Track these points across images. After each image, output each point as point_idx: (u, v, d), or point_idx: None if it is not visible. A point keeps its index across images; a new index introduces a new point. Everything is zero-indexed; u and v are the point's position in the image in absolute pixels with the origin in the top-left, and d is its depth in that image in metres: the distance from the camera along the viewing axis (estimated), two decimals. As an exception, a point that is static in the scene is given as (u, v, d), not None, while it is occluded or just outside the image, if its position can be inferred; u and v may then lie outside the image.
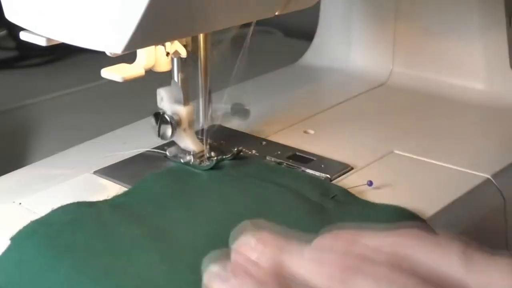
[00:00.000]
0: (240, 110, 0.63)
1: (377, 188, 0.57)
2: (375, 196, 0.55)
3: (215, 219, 0.52)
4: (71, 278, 0.47)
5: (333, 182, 0.58)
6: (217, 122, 0.67)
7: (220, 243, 0.48)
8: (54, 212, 0.53)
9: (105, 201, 0.55)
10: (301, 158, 0.61)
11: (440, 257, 0.35)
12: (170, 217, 0.53)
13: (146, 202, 0.54)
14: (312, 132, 0.68)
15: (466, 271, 0.34)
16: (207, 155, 0.60)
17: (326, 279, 0.35)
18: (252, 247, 0.37)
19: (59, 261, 0.48)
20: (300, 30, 1.00)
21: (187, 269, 0.46)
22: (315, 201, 0.54)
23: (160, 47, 0.56)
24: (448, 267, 0.34)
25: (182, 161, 0.59)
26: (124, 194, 0.56)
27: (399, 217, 0.52)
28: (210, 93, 0.59)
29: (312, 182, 0.57)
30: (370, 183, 0.57)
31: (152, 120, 0.60)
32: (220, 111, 0.69)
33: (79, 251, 0.49)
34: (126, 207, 0.54)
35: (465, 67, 0.77)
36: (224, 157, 0.59)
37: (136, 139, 0.65)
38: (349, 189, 0.56)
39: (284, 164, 0.60)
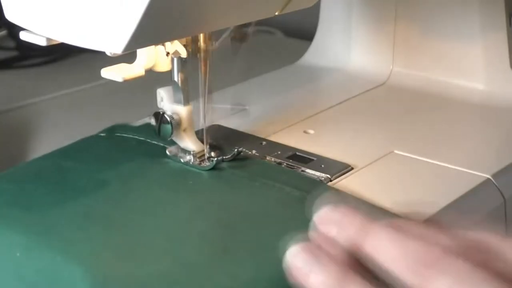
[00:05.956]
0: (239, 111, 0.63)
1: (377, 188, 0.57)
2: (375, 196, 0.55)
3: (207, 218, 0.53)
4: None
5: (333, 181, 0.58)
6: (217, 122, 0.67)
7: (208, 239, 0.48)
8: None
9: None
10: (301, 158, 0.61)
11: None
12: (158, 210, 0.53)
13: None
14: (312, 132, 0.68)
15: None
16: (207, 155, 0.60)
17: (405, 268, 0.34)
18: (332, 220, 0.38)
19: None
20: (300, 30, 1.01)
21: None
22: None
23: (160, 47, 0.56)
24: None
25: (182, 161, 0.60)
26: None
27: None
28: (210, 93, 0.59)
29: (311, 183, 0.57)
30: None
31: (152, 120, 0.60)
32: (220, 111, 0.70)
33: None
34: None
35: (465, 67, 0.77)
36: (224, 157, 0.59)
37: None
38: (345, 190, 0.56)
39: (284, 164, 0.60)
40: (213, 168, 0.59)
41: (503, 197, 0.59)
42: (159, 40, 0.53)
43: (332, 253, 0.37)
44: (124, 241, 0.49)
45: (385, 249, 0.35)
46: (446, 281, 0.33)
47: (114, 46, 0.47)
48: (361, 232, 0.37)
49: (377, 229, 0.36)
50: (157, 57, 0.57)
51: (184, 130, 0.60)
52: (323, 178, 0.58)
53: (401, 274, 0.35)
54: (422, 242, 0.35)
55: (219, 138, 0.63)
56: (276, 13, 0.56)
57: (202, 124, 0.60)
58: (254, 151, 0.62)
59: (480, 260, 0.34)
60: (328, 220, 0.38)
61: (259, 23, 0.57)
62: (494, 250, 0.35)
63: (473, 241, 0.36)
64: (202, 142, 0.60)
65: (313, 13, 0.83)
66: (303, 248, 0.37)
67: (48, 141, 0.75)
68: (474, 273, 0.33)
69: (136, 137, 0.63)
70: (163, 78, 0.59)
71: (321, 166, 0.60)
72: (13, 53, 1.00)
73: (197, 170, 0.59)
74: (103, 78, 0.54)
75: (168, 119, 0.59)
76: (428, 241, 0.35)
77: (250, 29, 0.58)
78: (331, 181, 0.58)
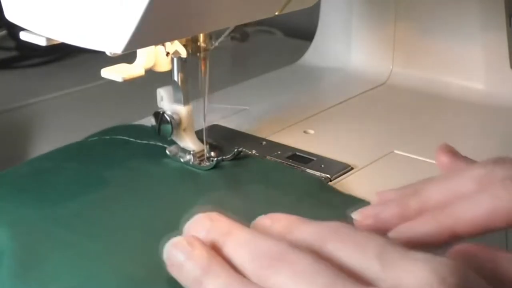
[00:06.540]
0: (239, 111, 0.63)
1: (377, 188, 0.57)
2: (375, 196, 0.55)
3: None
4: None
5: (333, 181, 0.58)
6: (217, 122, 0.67)
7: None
8: None
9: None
10: (301, 158, 0.62)
11: (358, 258, 0.37)
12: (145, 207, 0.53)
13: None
14: (312, 132, 0.68)
15: (382, 271, 0.36)
16: (207, 155, 0.60)
17: (252, 265, 0.38)
18: (201, 223, 0.41)
19: None
20: (300, 30, 1.00)
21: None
22: (312, 203, 0.54)
23: (160, 47, 0.56)
24: (366, 270, 0.37)
25: (182, 160, 0.60)
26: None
27: None
28: (210, 93, 0.59)
29: (311, 183, 0.57)
30: None
31: (152, 119, 0.60)
32: (220, 111, 0.70)
33: None
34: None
35: (465, 67, 0.77)
36: (224, 157, 0.59)
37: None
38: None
39: (284, 164, 0.60)
40: (213, 168, 0.59)
41: (503, 197, 0.59)
42: (159, 40, 0.53)
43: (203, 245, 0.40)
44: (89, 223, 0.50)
45: (238, 252, 0.39)
46: (287, 273, 0.37)
47: (114, 46, 0.47)
48: (223, 237, 0.40)
49: (235, 233, 0.40)
50: (157, 57, 0.57)
51: (184, 130, 0.60)
52: (323, 178, 0.58)
53: (250, 272, 0.38)
54: (270, 240, 0.39)
55: (219, 138, 0.63)
56: (276, 13, 0.56)
57: (202, 124, 0.60)
58: (254, 151, 0.62)
59: (328, 251, 0.38)
60: (198, 226, 0.41)
61: (259, 23, 0.57)
62: (347, 240, 0.38)
63: (331, 230, 0.39)
64: (202, 142, 0.60)
65: (313, 13, 0.83)
66: (180, 240, 0.40)
67: (48, 141, 0.75)
68: (314, 265, 0.36)
69: (133, 139, 0.63)
70: (163, 78, 0.59)
71: (321, 166, 0.60)
72: (13, 53, 1.00)
73: (197, 170, 0.59)
74: (103, 78, 0.54)
75: (168, 119, 0.59)
76: (276, 239, 0.39)
77: (249, 29, 0.58)
78: (331, 181, 0.58)
